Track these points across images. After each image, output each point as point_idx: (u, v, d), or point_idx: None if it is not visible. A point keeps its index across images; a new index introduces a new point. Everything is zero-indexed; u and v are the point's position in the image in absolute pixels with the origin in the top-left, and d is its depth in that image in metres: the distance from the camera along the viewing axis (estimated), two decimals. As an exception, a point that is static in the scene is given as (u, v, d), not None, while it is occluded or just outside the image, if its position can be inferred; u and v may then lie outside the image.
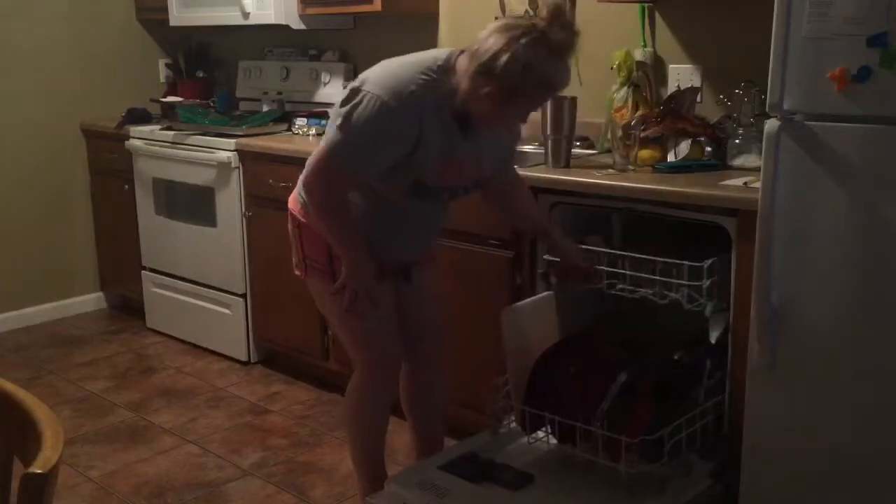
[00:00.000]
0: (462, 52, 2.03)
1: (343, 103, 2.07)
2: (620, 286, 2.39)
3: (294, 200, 2.30)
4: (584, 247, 2.42)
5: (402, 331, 2.42)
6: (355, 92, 2.04)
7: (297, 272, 2.36)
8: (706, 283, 2.24)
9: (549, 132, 2.68)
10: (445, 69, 2.03)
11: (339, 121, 2.05)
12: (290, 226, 2.33)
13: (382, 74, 2.05)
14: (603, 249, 2.43)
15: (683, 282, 2.27)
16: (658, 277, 2.31)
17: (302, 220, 2.26)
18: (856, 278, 1.94)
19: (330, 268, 2.23)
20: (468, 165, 2.16)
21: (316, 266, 2.27)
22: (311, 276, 2.31)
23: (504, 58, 1.90)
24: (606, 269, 2.40)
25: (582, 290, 2.47)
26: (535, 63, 1.91)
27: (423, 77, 2.02)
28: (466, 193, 2.24)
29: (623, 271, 2.38)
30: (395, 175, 2.09)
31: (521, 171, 2.65)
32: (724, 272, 2.27)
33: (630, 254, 2.36)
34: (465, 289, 2.72)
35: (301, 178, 2.24)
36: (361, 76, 2.08)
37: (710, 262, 2.24)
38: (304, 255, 2.30)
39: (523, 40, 1.90)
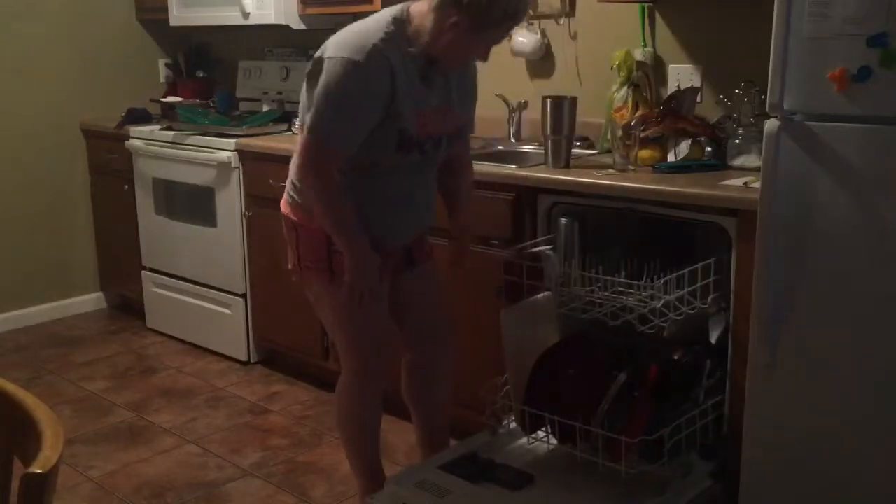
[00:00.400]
0: (411, 4, 2.10)
1: (310, 77, 2.07)
2: (572, 305, 2.33)
3: (285, 203, 2.30)
4: (532, 264, 2.36)
5: (404, 329, 2.43)
6: (318, 62, 2.05)
7: (293, 277, 2.36)
8: (659, 304, 2.17)
9: (549, 132, 2.68)
10: (401, 21, 2.08)
11: (310, 97, 2.06)
12: (284, 229, 2.32)
13: (342, 38, 2.07)
14: (550, 267, 2.36)
15: (635, 303, 2.19)
16: (601, 299, 2.23)
17: (295, 219, 2.26)
18: (856, 278, 1.94)
19: (328, 265, 2.22)
20: (444, 112, 2.19)
21: (312, 266, 2.27)
22: (309, 277, 2.30)
23: None
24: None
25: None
26: None
27: (384, 32, 2.05)
28: (449, 145, 2.25)
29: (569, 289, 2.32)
30: (378, 135, 2.09)
31: (522, 171, 2.66)
32: (724, 272, 2.27)
33: (581, 272, 2.33)
34: (465, 289, 2.71)
35: (290, 174, 2.24)
36: (321, 47, 2.09)
37: (662, 281, 2.18)
38: (300, 257, 2.29)
39: None
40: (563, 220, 2.52)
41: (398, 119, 2.08)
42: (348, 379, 2.40)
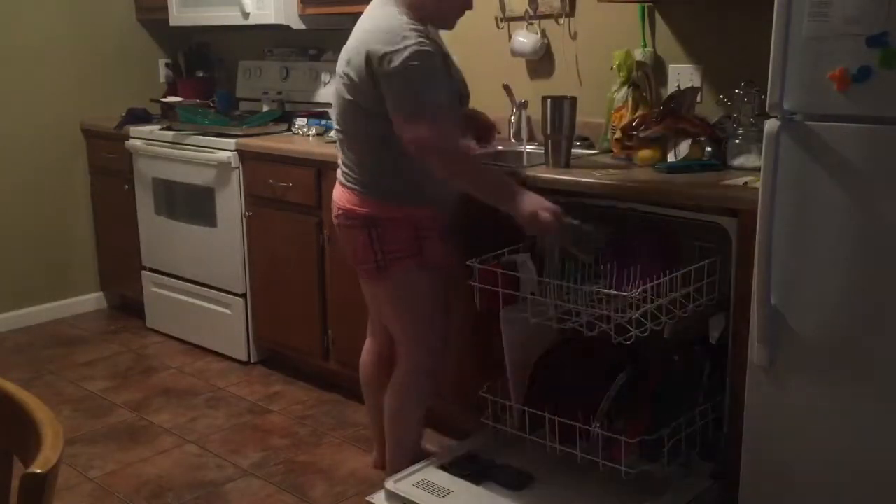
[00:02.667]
0: None
1: (398, 75, 2.16)
2: (548, 315, 2.26)
3: (354, 199, 2.33)
4: (507, 272, 2.30)
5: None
6: (381, 62, 2.16)
7: (365, 276, 2.40)
8: (635, 314, 2.10)
9: (548, 132, 2.68)
10: (404, 7, 2.25)
11: (401, 96, 2.18)
12: (349, 229, 2.35)
13: (379, 39, 2.18)
14: (525, 275, 2.31)
15: (612, 313, 2.11)
16: (577, 309, 2.18)
17: (371, 212, 2.30)
18: (856, 278, 1.94)
19: (418, 247, 2.33)
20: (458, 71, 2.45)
21: (400, 255, 2.32)
22: (394, 269, 2.34)
23: None
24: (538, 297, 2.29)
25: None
26: None
27: (407, 20, 2.21)
28: None
29: (545, 300, 2.25)
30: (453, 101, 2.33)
31: (522, 171, 2.66)
32: (724, 272, 2.27)
33: (552, 281, 2.26)
34: (463, 288, 2.71)
35: (358, 168, 2.32)
36: (360, 55, 2.19)
37: (637, 291, 2.10)
38: (383, 253, 2.32)
39: None
40: None
41: (455, 81, 2.35)
42: (426, 364, 2.47)
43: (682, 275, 2.22)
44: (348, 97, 2.28)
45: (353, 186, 2.34)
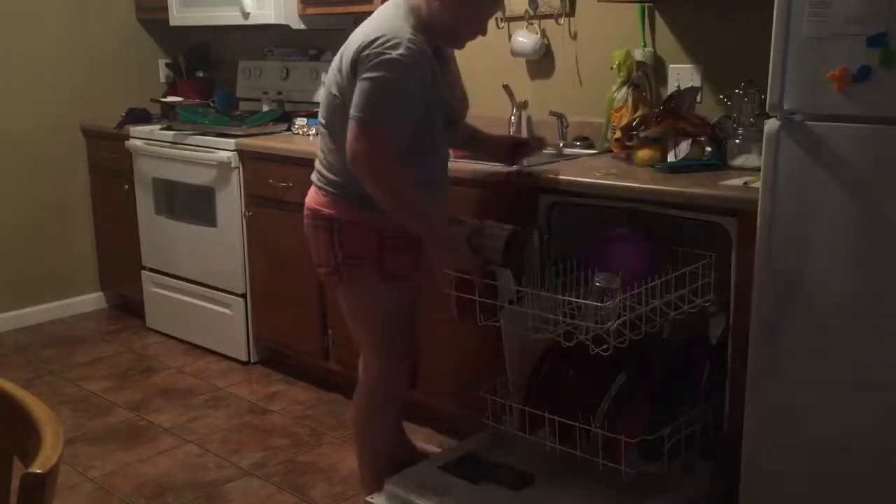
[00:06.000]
0: None
1: (352, 74, 2.13)
2: (524, 325, 2.22)
3: (318, 198, 2.28)
4: (487, 281, 2.24)
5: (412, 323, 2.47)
6: (363, 60, 2.11)
7: (326, 279, 2.35)
8: (613, 325, 2.07)
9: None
10: (409, 13, 2.17)
11: (361, 92, 2.11)
12: (315, 230, 2.29)
13: (387, 36, 2.11)
14: (503, 284, 2.25)
15: (589, 324, 2.09)
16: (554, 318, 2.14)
17: (333, 214, 2.24)
18: (856, 278, 1.94)
19: (381, 257, 2.24)
20: (456, 87, 2.38)
21: (358, 264, 2.26)
22: (353, 275, 2.28)
23: None
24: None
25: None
26: None
27: (409, 25, 2.14)
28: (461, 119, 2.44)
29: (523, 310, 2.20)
30: (428, 118, 2.20)
31: (522, 171, 2.66)
32: (724, 273, 2.27)
33: (528, 290, 2.21)
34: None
35: (325, 167, 2.26)
36: (355, 48, 2.13)
37: (615, 301, 2.07)
38: (343, 257, 2.26)
39: None
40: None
41: (442, 101, 2.22)
42: (384, 377, 2.41)
43: (664, 281, 2.19)
44: (334, 92, 2.22)
45: (323, 187, 2.27)
